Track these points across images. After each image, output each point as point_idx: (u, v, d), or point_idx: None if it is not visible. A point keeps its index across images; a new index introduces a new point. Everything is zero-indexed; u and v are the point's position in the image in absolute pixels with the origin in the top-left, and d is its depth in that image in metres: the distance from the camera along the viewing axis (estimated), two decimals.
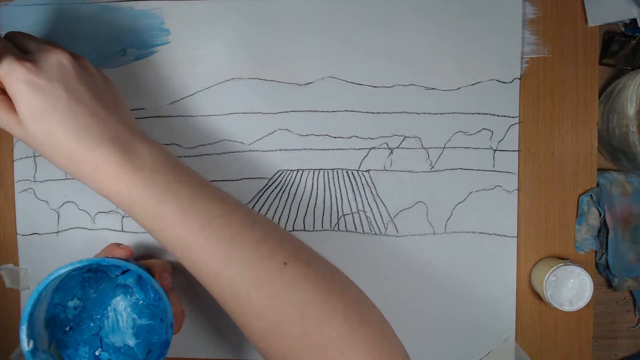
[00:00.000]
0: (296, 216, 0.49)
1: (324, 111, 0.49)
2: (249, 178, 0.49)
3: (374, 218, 0.49)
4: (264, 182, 0.49)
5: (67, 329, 0.44)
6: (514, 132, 0.48)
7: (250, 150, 0.49)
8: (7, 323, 0.51)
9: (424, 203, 0.49)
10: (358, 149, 0.49)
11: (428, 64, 0.48)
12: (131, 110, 0.47)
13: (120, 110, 0.40)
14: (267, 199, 0.49)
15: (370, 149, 0.49)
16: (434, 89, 0.48)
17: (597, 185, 0.48)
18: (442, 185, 0.48)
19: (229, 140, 0.49)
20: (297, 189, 0.49)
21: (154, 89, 0.49)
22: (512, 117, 0.48)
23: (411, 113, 0.48)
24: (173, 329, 0.41)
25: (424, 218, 0.49)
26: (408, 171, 0.49)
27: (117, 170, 0.36)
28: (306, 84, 0.49)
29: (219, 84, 0.49)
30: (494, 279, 0.48)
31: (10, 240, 0.51)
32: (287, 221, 0.49)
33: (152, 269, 0.43)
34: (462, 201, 0.48)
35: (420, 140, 0.48)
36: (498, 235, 0.48)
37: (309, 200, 0.49)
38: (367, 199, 0.49)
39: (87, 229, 0.50)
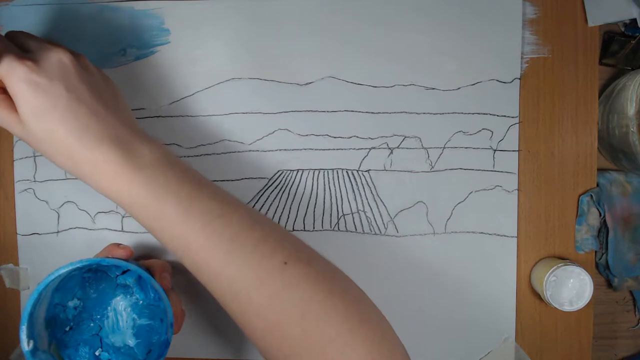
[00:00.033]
0: (296, 216, 0.49)
1: (324, 111, 0.49)
2: (249, 178, 0.49)
3: (374, 218, 0.49)
4: (264, 182, 0.49)
5: (67, 329, 0.44)
6: (514, 132, 0.48)
7: (250, 150, 0.49)
8: (7, 323, 0.51)
9: (424, 203, 0.49)
10: (358, 149, 0.49)
11: (428, 64, 0.48)
12: (131, 110, 0.47)
13: (120, 109, 0.40)
14: (267, 199, 0.49)
15: (370, 149, 0.49)
16: (434, 89, 0.48)
17: (597, 185, 0.48)
18: (442, 185, 0.48)
19: (229, 140, 0.49)
20: (297, 189, 0.49)
21: (154, 89, 0.49)
22: (512, 117, 0.48)
23: (411, 113, 0.48)
24: (173, 329, 0.41)
25: (424, 218, 0.49)
26: (408, 171, 0.49)
27: (118, 169, 0.36)
28: (306, 84, 0.49)
29: (219, 84, 0.49)
30: (494, 279, 0.48)
31: (10, 240, 0.51)
32: (287, 221, 0.49)
33: (152, 269, 0.43)
34: (462, 201, 0.48)
35: (420, 140, 0.48)
36: (498, 235, 0.48)
37: (309, 200, 0.49)
38: (367, 199, 0.49)
39: (87, 229, 0.50)
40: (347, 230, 0.49)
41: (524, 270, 0.48)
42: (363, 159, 0.49)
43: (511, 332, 0.49)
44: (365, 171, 0.49)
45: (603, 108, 0.48)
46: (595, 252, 0.49)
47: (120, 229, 0.50)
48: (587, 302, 0.45)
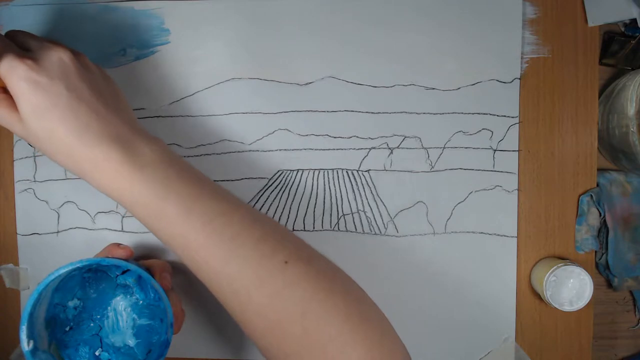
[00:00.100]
0: (296, 216, 0.49)
1: (324, 111, 0.49)
2: (249, 178, 0.49)
3: (374, 218, 0.49)
4: (264, 182, 0.49)
5: (67, 329, 0.44)
6: (514, 132, 0.48)
7: (250, 150, 0.49)
8: (7, 323, 0.51)
9: (424, 203, 0.49)
10: (358, 149, 0.49)
11: (428, 64, 0.48)
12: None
13: (121, 108, 0.40)
14: (267, 199, 0.49)
15: (370, 149, 0.49)
16: (434, 89, 0.48)
17: (597, 185, 0.48)
18: (442, 185, 0.48)
19: (229, 140, 0.49)
20: (297, 189, 0.49)
21: (154, 89, 0.49)
22: (512, 117, 0.48)
23: (411, 113, 0.48)
24: (173, 329, 0.41)
25: (424, 218, 0.49)
26: (408, 171, 0.49)
27: (118, 167, 0.36)
28: (306, 84, 0.49)
29: (219, 84, 0.49)
30: (494, 279, 0.48)
31: (10, 240, 0.51)
32: (287, 221, 0.49)
33: (152, 269, 0.43)
34: (462, 201, 0.48)
35: (420, 140, 0.48)
36: (498, 235, 0.48)
37: (309, 200, 0.49)
38: (367, 199, 0.49)
39: (87, 229, 0.50)
40: (347, 230, 0.49)
41: (524, 270, 0.48)
42: (363, 159, 0.49)
43: (511, 332, 0.49)
44: (365, 171, 0.49)
45: (603, 108, 0.48)
46: (595, 252, 0.49)
47: (120, 229, 0.50)
48: (587, 302, 0.45)
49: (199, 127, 0.49)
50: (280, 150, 0.49)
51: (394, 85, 0.48)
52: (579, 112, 0.48)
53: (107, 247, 0.44)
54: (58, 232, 0.50)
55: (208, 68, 0.49)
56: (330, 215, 0.49)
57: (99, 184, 0.37)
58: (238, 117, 0.49)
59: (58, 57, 0.38)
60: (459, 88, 0.48)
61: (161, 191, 0.36)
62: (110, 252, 0.43)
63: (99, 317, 0.45)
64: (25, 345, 0.38)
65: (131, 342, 0.45)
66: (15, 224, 0.51)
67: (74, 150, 0.36)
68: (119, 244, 0.44)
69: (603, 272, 0.50)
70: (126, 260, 0.41)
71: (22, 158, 0.50)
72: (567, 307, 0.45)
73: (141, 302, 0.46)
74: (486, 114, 0.48)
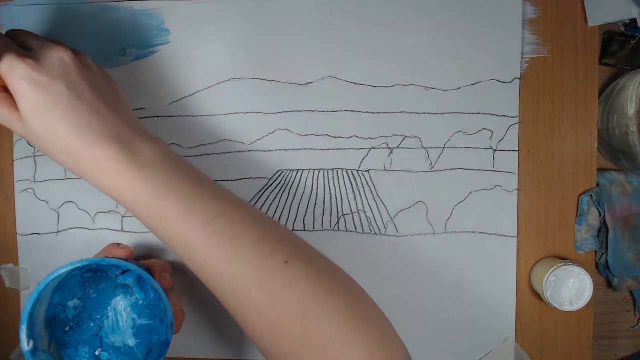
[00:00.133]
0: (296, 216, 0.49)
1: (324, 111, 0.49)
2: (249, 178, 0.49)
3: (374, 218, 0.49)
4: (264, 182, 0.49)
5: (67, 329, 0.44)
6: (514, 132, 0.48)
7: (250, 150, 0.49)
8: (7, 323, 0.51)
9: (424, 203, 0.49)
10: (358, 149, 0.49)
11: (428, 64, 0.48)
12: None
13: (121, 107, 0.40)
14: (267, 199, 0.49)
15: (370, 149, 0.49)
16: (434, 89, 0.48)
17: (597, 185, 0.48)
18: (442, 185, 0.48)
19: (229, 140, 0.49)
20: (297, 189, 0.49)
21: (154, 89, 0.49)
22: (512, 117, 0.48)
23: (411, 113, 0.48)
24: (173, 329, 0.41)
25: (424, 218, 0.49)
26: (408, 171, 0.49)
27: (119, 167, 0.36)
28: (306, 84, 0.49)
29: (219, 84, 0.49)
30: (494, 279, 0.48)
31: (10, 240, 0.51)
32: (287, 221, 0.49)
33: (152, 269, 0.43)
34: (462, 201, 0.48)
35: (420, 140, 0.48)
36: (498, 235, 0.48)
37: (309, 200, 0.49)
38: (367, 199, 0.49)
39: (87, 229, 0.50)
40: (347, 230, 0.49)
41: (524, 270, 0.48)
42: (363, 159, 0.49)
43: (511, 332, 0.49)
44: (365, 171, 0.49)
45: (603, 108, 0.48)
46: (595, 252, 0.49)
47: (120, 229, 0.50)
48: (587, 302, 0.45)
49: (199, 127, 0.49)
50: (280, 150, 0.49)
51: (394, 85, 0.48)
52: (579, 112, 0.48)
53: (107, 247, 0.44)
54: (58, 232, 0.50)
55: (208, 68, 0.49)
56: (330, 215, 0.49)
57: (100, 184, 0.37)
58: (238, 117, 0.49)
59: (59, 56, 0.38)
60: (459, 88, 0.48)
61: (161, 191, 0.36)
62: (110, 252, 0.43)
63: (99, 317, 0.45)
64: (25, 345, 0.38)
65: (131, 342, 0.45)
66: (15, 224, 0.51)
67: (74, 150, 0.36)
68: (119, 244, 0.44)
69: (603, 272, 0.50)
70: (126, 260, 0.41)
71: (22, 158, 0.50)
72: (567, 307, 0.45)
73: (141, 302, 0.46)
74: (486, 114, 0.48)
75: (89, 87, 0.38)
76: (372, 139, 0.49)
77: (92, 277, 0.45)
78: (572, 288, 0.45)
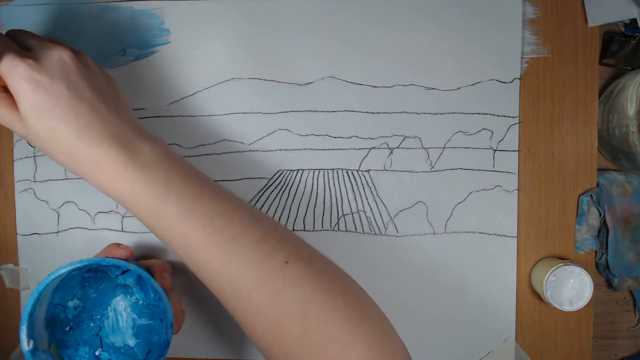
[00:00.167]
0: (296, 216, 0.49)
1: (324, 111, 0.49)
2: (249, 178, 0.49)
3: (374, 218, 0.49)
4: (264, 182, 0.49)
5: (67, 329, 0.44)
6: (514, 132, 0.48)
7: (250, 150, 0.49)
8: (7, 323, 0.51)
9: (424, 203, 0.49)
10: (358, 149, 0.49)
11: (428, 64, 0.48)
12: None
13: (121, 107, 0.40)
14: (267, 199, 0.49)
15: (370, 149, 0.49)
16: (434, 89, 0.48)
17: (597, 185, 0.48)
18: (442, 185, 0.48)
19: (229, 140, 0.49)
20: (297, 189, 0.49)
21: (154, 89, 0.49)
22: (512, 117, 0.48)
23: (411, 113, 0.48)
24: (173, 329, 0.41)
25: (424, 218, 0.49)
26: (408, 171, 0.49)
27: (119, 167, 0.36)
28: (306, 84, 0.49)
29: (219, 84, 0.49)
30: (494, 279, 0.48)
31: (10, 240, 0.51)
32: (287, 221, 0.49)
33: (152, 269, 0.43)
34: (462, 201, 0.48)
35: (420, 140, 0.48)
36: (498, 235, 0.48)
37: (309, 200, 0.49)
38: (367, 199, 0.49)
39: (87, 229, 0.50)
40: (347, 230, 0.49)
41: (524, 270, 0.48)
42: (363, 159, 0.49)
43: (511, 332, 0.49)
44: (365, 171, 0.49)
45: (603, 108, 0.48)
46: (595, 252, 0.49)
47: (120, 229, 0.50)
48: (587, 302, 0.45)
49: (199, 127, 0.49)
50: (280, 150, 0.49)
51: (394, 85, 0.48)
52: (579, 112, 0.48)
53: (107, 247, 0.44)
54: (58, 232, 0.50)
55: (208, 68, 0.49)
56: (330, 215, 0.49)
57: (100, 184, 0.37)
58: (238, 117, 0.49)
59: (59, 56, 0.38)
60: (459, 88, 0.48)
61: (161, 191, 0.36)
62: (110, 252, 0.43)
63: (99, 317, 0.45)
64: (25, 345, 0.38)
65: (131, 342, 0.45)
66: (15, 224, 0.51)
67: (74, 150, 0.36)
68: (119, 244, 0.44)
69: (603, 272, 0.50)
70: (126, 260, 0.41)
71: (22, 158, 0.50)
72: (567, 307, 0.45)
73: (141, 302, 0.46)
74: (486, 114, 0.48)
75: (89, 87, 0.38)
76: (372, 139, 0.49)
77: (92, 277, 0.45)
78: (572, 288, 0.45)
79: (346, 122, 0.49)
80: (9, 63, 0.36)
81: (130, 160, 0.36)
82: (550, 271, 0.45)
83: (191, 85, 0.49)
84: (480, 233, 0.48)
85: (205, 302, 0.50)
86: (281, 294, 0.34)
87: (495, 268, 0.48)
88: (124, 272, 0.45)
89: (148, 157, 0.37)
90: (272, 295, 0.35)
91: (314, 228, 0.49)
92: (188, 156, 0.49)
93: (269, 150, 0.49)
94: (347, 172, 0.49)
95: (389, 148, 0.48)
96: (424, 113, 0.48)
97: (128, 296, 0.46)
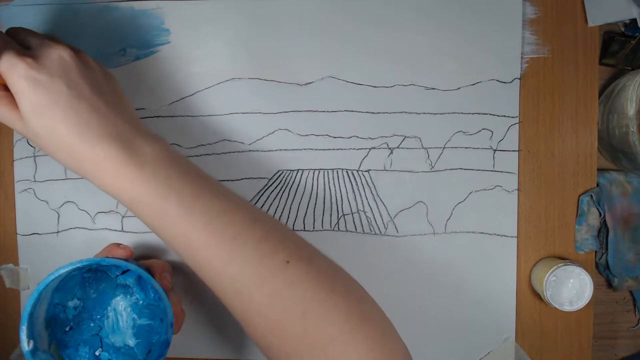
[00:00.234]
0: (296, 216, 0.49)
1: (324, 111, 0.49)
2: (249, 178, 0.49)
3: (374, 218, 0.49)
4: (264, 182, 0.49)
5: (67, 329, 0.44)
6: (514, 132, 0.48)
7: (250, 150, 0.49)
8: (7, 323, 0.51)
9: (424, 203, 0.49)
10: (358, 149, 0.49)
11: (428, 64, 0.48)
12: None
13: (122, 105, 0.40)
14: (267, 199, 0.49)
15: (370, 149, 0.49)
16: (434, 89, 0.48)
17: (597, 185, 0.48)
18: (442, 185, 0.48)
19: (229, 140, 0.49)
20: (297, 189, 0.49)
21: (154, 89, 0.49)
22: (512, 117, 0.48)
23: (411, 113, 0.48)
24: (173, 329, 0.41)
25: (424, 218, 0.49)
26: (408, 171, 0.49)
27: (119, 166, 0.36)
28: (306, 84, 0.49)
29: (219, 84, 0.49)
30: (494, 279, 0.48)
31: (10, 240, 0.51)
32: (287, 221, 0.49)
33: (152, 269, 0.43)
34: (462, 201, 0.48)
35: (420, 140, 0.48)
36: (498, 235, 0.48)
37: (309, 200, 0.49)
38: (367, 199, 0.49)
39: (87, 229, 0.50)
40: (347, 230, 0.49)
41: (524, 270, 0.48)
42: (363, 159, 0.49)
43: (511, 332, 0.49)
44: (365, 171, 0.49)
45: (603, 108, 0.48)
46: (595, 252, 0.49)
47: (120, 229, 0.50)
48: (587, 302, 0.45)
49: (199, 127, 0.49)
50: (280, 150, 0.49)
51: (394, 85, 0.48)
52: (579, 112, 0.48)
53: (107, 247, 0.44)
54: (58, 232, 0.50)
55: (208, 68, 0.49)
56: (330, 215, 0.49)
57: (100, 183, 0.37)
58: (238, 117, 0.49)
59: (58, 54, 0.38)
60: (459, 88, 0.48)
61: (162, 190, 0.36)
62: (110, 252, 0.43)
63: (99, 317, 0.45)
64: (25, 345, 0.38)
65: (131, 342, 0.45)
66: (15, 224, 0.51)
67: (74, 149, 0.36)
68: (119, 244, 0.44)
69: (603, 272, 0.50)
70: (126, 260, 0.41)
71: (22, 158, 0.50)
72: (567, 307, 0.45)
73: (141, 302, 0.46)
74: (486, 114, 0.48)
75: (89, 85, 0.38)
76: (372, 139, 0.49)
77: (92, 277, 0.45)
78: (572, 288, 0.45)
79: (346, 122, 0.49)
80: (9, 62, 0.36)
81: (131, 159, 0.36)
82: (550, 271, 0.45)
83: (191, 85, 0.49)
84: (480, 233, 0.48)
85: (205, 302, 0.50)
86: (282, 294, 0.34)
87: (495, 268, 0.48)
88: (124, 272, 0.45)
89: (148, 156, 0.37)
90: (272, 294, 0.35)
91: (314, 228, 0.49)
92: (188, 156, 0.49)
93: (269, 150, 0.49)
94: (347, 172, 0.49)
95: (389, 148, 0.48)
96: (424, 113, 0.48)
97: (128, 296, 0.46)
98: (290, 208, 0.49)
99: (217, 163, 0.49)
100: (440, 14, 0.48)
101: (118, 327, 0.45)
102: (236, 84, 0.49)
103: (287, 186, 0.49)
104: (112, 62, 0.49)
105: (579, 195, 0.48)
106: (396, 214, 0.49)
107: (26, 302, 0.38)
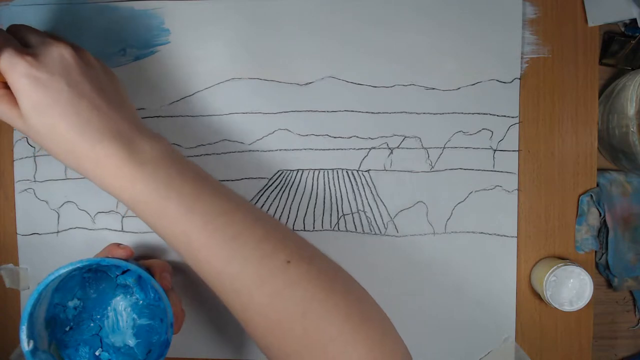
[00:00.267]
0: (296, 216, 0.49)
1: (324, 111, 0.49)
2: (249, 178, 0.49)
3: (374, 218, 0.49)
4: (264, 182, 0.49)
5: (67, 329, 0.44)
6: (514, 132, 0.48)
7: (250, 150, 0.49)
8: (7, 323, 0.51)
9: (424, 203, 0.49)
10: (358, 149, 0.49)
11: (428, 64, 0.48)
12: None
13: (123, 104, 0.40)
14: (267, 199, 0.49)
15: (370, 149, 0.49)
16: (434, 89, 0.48)
17: (597, 185, 0.48)
18: (442, 185, 0.48)
19: (229, 140, 0.49)
20: (297, 189, 0.49)
21: (154, 89, 0.49)
22: (512, 117, 0.48)
23: (411, 113, 0.48)
24: (173, 329, 0.41)
25: (424, 218, 0.49)
26: (408, 171, 0.49)
27: (119, 165, 0.36)
28: (306, 84, 0.49)
29: (219, 84, 0.49)
30: (494, 279, 0.48)
31: (10, 240, 0.51)
32: (287, 221, 0.49)
33: (152, 269, 0.43)
34: (462, 201, 0.48)
35: (420, 140, 0.48)
36: (498, 235, 0.48)
37: (309, 200, 0.49)
38: (367, 199, 0.49)
39: (87, 229, 0.50)
40: (347, 230, 0.49)
41: (524, 270, 0.48)
42: (363, 159, 0.49)
43: (511, 332, 0.49)
44: (365, 171, 0.49)
45: (603, 108, 0.48)
46: (595, 252, 0.49)
47: (120, 229, 0.50)
48: (587, 302, 0.45)
49: (199, 127, 0.49)
50: (280, 150, 0.49)
51: (394, 85, 0.48)
52: (579, 112, 0.48)
53: (107, 247, 0.44)
54: (58, 232, 0.50)
55: (208, 68, 0.49)
56: (330, 215, 0.49)
57: (101, 182, 0.37)
58: (238, 117, 0.49)
59: (59, 52, 0.38)
60: (459, 88, 0.48)
61: (162, 189, 0.36)
62: (110, 252, 0.43)
63: (99, 317, 0.45)
64: (25, 345, 0.38)
65: (131, 342, 0.45)
66: (15, 224, 0.51)
67: (75, 147, 0.36)
68: (119, 244, 0.44)
69: (603, 272, 0.50)
70: (126, 260, 0.41)
71: (22, 158, 0.50)
72: (567, 307, 0.45)
73: (141, 302, 0.46)
74: (486, 114, 0.48)
75: (90, 83, 0.38)
76: (372, 139, 0.49)
77: (92, 277, 0.45)
78: (572, 288, 0.45)
79: (346, 122, 0.49)
80: (9, 60, 0.36)
81: (131, 158, 0.36)
82: (550, 271, 0.45)
83: (191, 85, 0.49)
84: (480, 233, 0.48)
85: (205, 302, 0.50)
86: (282, 294, 0.34)
87: (495, 268, 0.48)
88: (124, 272, 0.45)
89: (149, 155, 0.37)
90: (273, 294, 0.35)
91: (314, 228, 0.49)
92: (188, 156, 0.49)
93: (269, 150, 0.49)
94: (347, 172, 0.49)
95: (389, 148, 0.48)
96: (424, 113, 0.48)
97: (128, 296, 0.46)
98: (290, 208, 0.49)
99: (217, 163, 0.49)
100: (440, 14, 0.48)
101: (118, 327, 0.45)
102: (236, 84, 0.49)
103: (287, 186, 0.49)
104: (112, 62, 0.49)
105: (579, 195, 0.48)
106: (396, 214, 0.49)
107: (26, 302, 0.38)
